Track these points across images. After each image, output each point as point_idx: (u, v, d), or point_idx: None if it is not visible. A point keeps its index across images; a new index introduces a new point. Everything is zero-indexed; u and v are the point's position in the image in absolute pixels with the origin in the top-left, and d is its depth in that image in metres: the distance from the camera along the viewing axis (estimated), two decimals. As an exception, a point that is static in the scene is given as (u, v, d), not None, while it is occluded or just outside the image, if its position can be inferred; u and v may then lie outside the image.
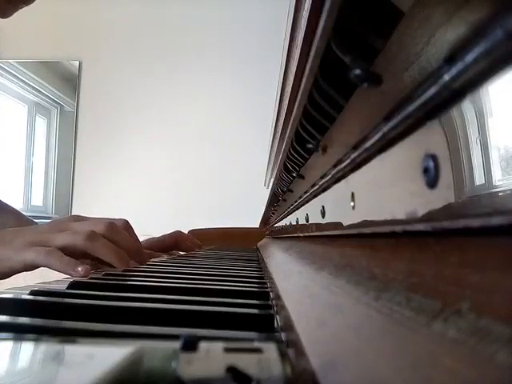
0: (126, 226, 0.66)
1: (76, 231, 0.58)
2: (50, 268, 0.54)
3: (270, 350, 0.20)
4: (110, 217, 0.66)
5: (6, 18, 0.79)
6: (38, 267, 0.55)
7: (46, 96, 2.93)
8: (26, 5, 0.78)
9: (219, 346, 0.20)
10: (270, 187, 1.00)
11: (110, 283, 0.43)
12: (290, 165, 0.58)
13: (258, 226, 1.81)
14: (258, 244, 1.46)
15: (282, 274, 0.42)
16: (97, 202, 2.75)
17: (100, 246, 0.58)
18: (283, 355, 0.19)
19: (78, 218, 0.64)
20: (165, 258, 0.83)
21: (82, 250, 0.56)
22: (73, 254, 0.55)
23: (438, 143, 0.15)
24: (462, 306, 0.11)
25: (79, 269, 0.51)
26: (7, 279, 0.59)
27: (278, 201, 0.95)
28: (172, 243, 0.97)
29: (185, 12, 2.81)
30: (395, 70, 0.18)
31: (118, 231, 0.62)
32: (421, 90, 0.15)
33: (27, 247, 0.55)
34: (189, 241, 1.01)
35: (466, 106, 0.13)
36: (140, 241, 0.72)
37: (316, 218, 0.42)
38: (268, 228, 1.51)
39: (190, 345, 0.19)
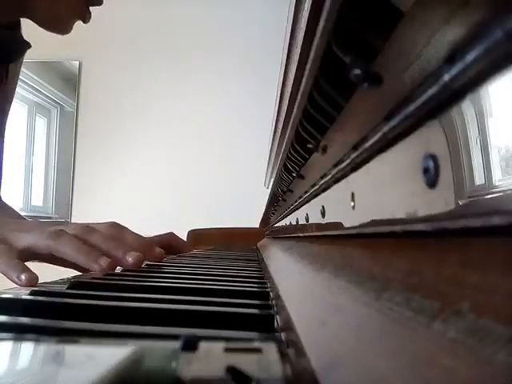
0: (115, 226, 0.59)
1: (42, 231, 0.52)
2: None
3: (270, 350, 0.20)
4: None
5: (66, 33, 0.76)
6: None
7: (46, 96, 2.93)
8: (84, 20, 0.73)
9: (219, 345, 0.20)
10: (270, 187, 1.00)
11: (110, 283, 0.43)
12: (290, 165, 0.57)
13: (258, 226, 1.81)
14: (258, 244, 1.46)
15: (282, 273, 0.42)
16: (97, 202, 2.75)
17: (63, 244, 0.50)
18: (283, 355, 0.19)
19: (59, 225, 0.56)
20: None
21: (45, 251, 0.50)
22: (39, 256, 0.50)
23: (438, 143, 0.15)
24: (462, 306, 0.11)
25: (22, 276, 0.45)
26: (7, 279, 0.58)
27: (278, 201, 0.95)
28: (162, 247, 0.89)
29: (185, 12, 2.81)
30: (395, 70, 0.18)
31: (93, 232, 0.54)
32: (421, 89, 0.15)
33: None
34: (180, 244, 0.89)
35: (466, 105, 0.13)
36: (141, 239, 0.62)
37: (316, 218, 0.42)
38: (268, 228, 1.51)
39: (190, 345, 0.19)
